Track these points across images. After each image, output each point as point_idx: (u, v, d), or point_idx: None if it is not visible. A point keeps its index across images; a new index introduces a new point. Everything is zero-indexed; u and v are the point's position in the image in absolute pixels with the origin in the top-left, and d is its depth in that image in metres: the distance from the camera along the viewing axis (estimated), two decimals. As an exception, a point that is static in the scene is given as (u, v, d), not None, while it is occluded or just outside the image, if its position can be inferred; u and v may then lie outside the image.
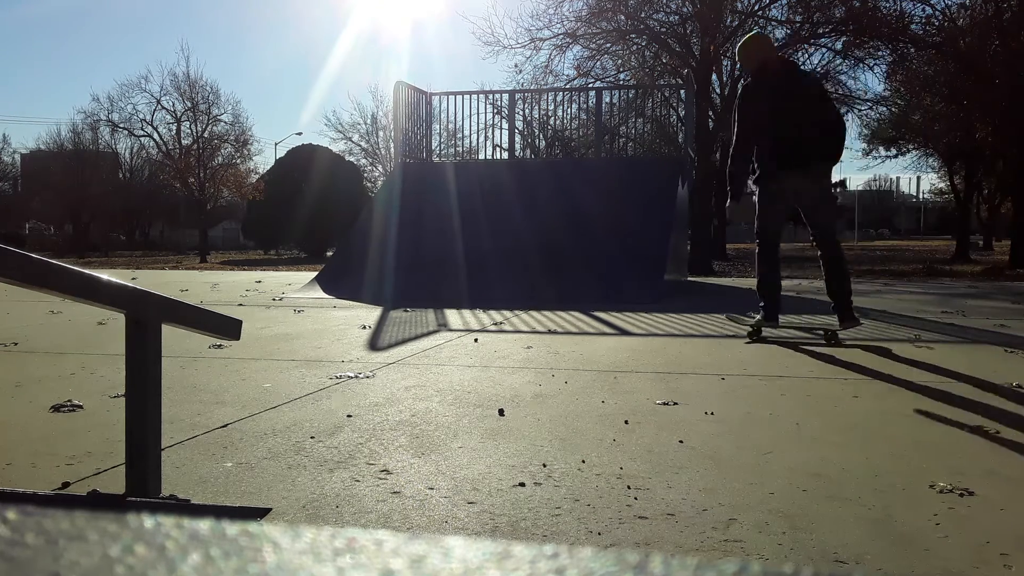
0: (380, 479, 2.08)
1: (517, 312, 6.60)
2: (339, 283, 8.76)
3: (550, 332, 5.46)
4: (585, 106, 13.61)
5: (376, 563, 0.29)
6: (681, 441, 2.46)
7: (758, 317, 4.92)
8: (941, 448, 2.42)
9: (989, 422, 2.70)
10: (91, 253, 34.02)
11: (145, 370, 1.65)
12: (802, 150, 4.60)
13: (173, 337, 1.95)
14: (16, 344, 4.66)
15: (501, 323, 5.98)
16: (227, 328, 2.06)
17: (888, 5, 17.56)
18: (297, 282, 10.43)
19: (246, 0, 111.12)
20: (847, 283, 4.68)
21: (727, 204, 4.95)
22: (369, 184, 36.62)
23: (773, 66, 4.82)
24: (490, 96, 12.50)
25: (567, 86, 17.00)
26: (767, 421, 2.76)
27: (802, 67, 5.18)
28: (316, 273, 10.24)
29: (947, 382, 3.50)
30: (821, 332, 4.84)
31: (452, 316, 6.39)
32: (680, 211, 9.78)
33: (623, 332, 5.45)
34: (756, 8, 18.99)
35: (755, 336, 4.88)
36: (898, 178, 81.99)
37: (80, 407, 2.92)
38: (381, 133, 38.31)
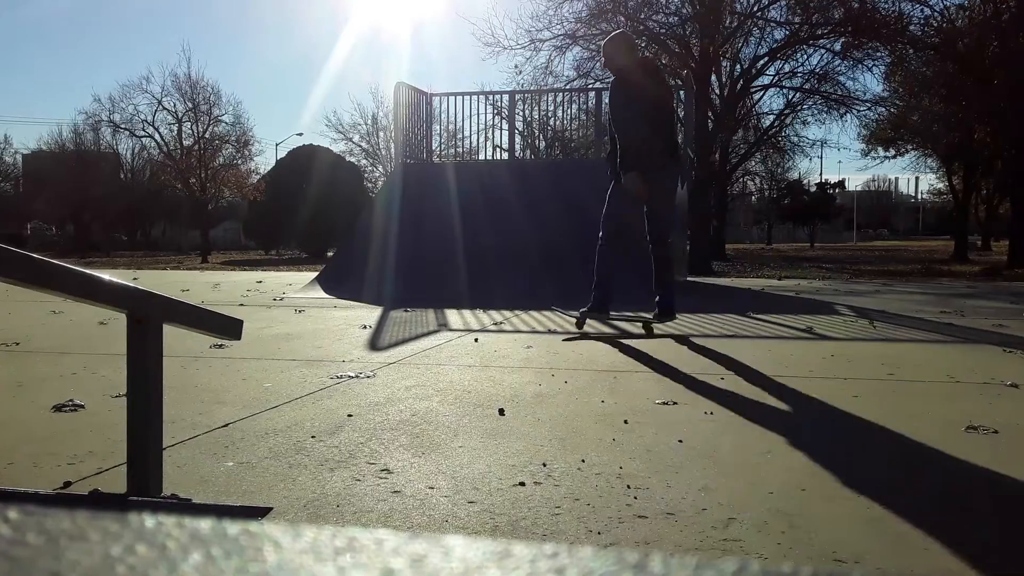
0: (381, 478, 2.08)
1: (517, 312, 6.60)
2: (340, 283, 8.76)
3: (550, 332, 5.46)
4: (585, 107, 13.59)
5: (377, 562, 0.29)
6: (680, 441, 2.47)
7: (585, 308, 5.23)
8: (940, 447, 2.43)
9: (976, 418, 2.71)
10: (92, 253, 34.02)
11: (146, 370, 1.65)
12: (651, 151, 4.83)
13: (174, 337, 1.96)
14: (18, 344, 4.67)
15: (501, 323, 5.98)
16: (228, 328, 2.06)
17: (887, 6, 17.58)
18: (298, 282, 10.43)
19: (247, 1, 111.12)
20: (670, 282, 5.09)
21: (625, 182, 5.06)
22: (369, 184, 36.62)
23: (635, 67, 5.02)
24: (490, 97, 12.51)
25: (567, 87, 17.01)
26: (766, 420, 2.76)
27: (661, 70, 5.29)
28: (317, 273, 10.24)
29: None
30: (640, 323, 5.26)
31: (452, 316, 6.39)
32: (679, 211, 9.76)
33: (622, 332, 5.45)
34: (755, 9, 18.99)
35: (581, 327, 5.19)
36: (897, 179, 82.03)
37: (82, 407, 2.93)
38: (381, 134, 38.33)
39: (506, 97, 12.14)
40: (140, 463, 1.66)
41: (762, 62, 20.75)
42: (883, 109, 22.51)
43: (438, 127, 14.03)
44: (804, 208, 46.43)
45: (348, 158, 36.56)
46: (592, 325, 5.45)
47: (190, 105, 31.99)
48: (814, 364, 4.01)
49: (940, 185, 39.90)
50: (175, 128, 32.76)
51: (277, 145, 51.18)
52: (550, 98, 14.95)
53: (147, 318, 1.63)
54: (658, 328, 5.15)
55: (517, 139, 12.92)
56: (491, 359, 4.15)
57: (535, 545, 0.30)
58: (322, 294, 8.45)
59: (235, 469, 2.17)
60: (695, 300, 7.99)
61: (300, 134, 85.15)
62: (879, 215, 74.81)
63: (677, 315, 5.20)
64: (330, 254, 21.57)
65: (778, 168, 39.60)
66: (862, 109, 21.95)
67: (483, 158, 12.57)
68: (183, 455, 2.29)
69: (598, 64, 18.98)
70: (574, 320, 5.33)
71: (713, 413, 2.85)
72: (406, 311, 6.77)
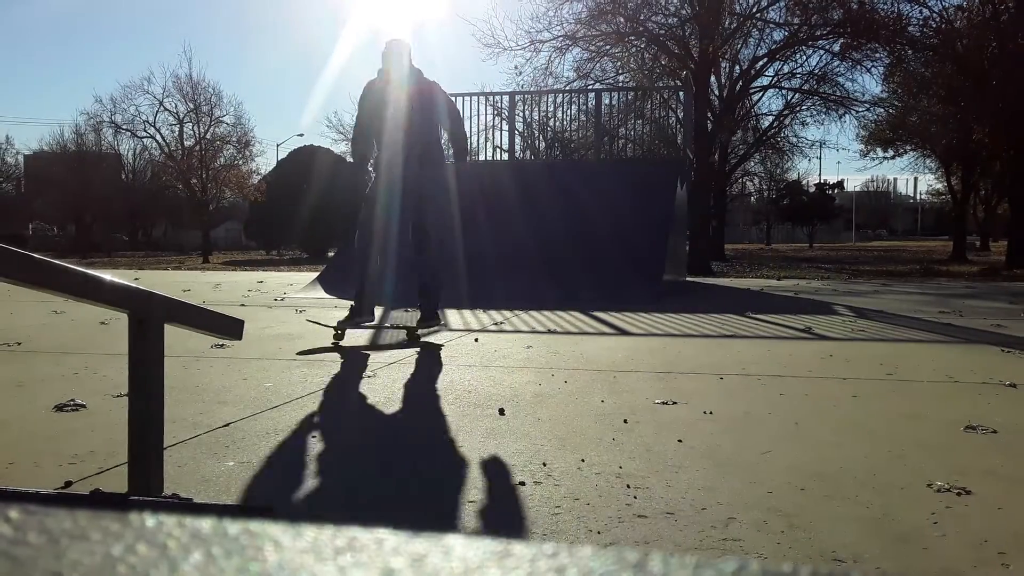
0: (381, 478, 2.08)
1: (517, 312, 6.59)
2: (340, 283, 8.75)
3: (550, 332, 5.46)
4: (585, 108, 13.59)
5: (377, 561, 0.29)
6: (680, 440, 2.47)
7: (343, 317, 4.87)
8: (940, 447, 2.43)
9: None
10: (94, 254, 33.98)
11: (147, 369, 1.65)
12: (402, 153, 4.77)
13: (175, 337, 1.96)
14: (19, 344, 4.67)
15: (501, 323, 5.98)
16: (229, 328, 2.06)
17: (885, 7, 17.59)
18: (299, 282, 10.43)
19: (248, 2, 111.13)
20: (436, 288, 4.92)
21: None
22: (370, 185, 36.54)
23: (392, 71, 4.88)
24: (490, 98, 12.50)
25: (567, 88, 17.00)
26: (766, 420, 2.76)
27: (428, 80, 5.06)
28: (317, 273, 10.23)
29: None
30: (404, 329, 5.01)
31: (452, 316, 6.38)
32: (679, 212, 9.79)
33: (622, 332, 5.46)
34: (754, 10, 19.01)
35: (339, 336, 4.71)
36: (895, 179, 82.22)
37: (83, 406, 2.93)
38: (382, 134, 38.23)
39: (506, 98, 12.13)
40: (141, 463, 1.66)
41: (761, 63, 20.78)
42: (882, 110, 22.56)
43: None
44: (803, 208, 46.46)
45: (349, 159, 36.55)
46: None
47: (191, 106, 31.93)
48: (813, 364, 4.01)
49: (939, 186, 39.92)
50: (176, 129, 32.69)
51: (278, 146, 51.39)
52: (550, 99, 14.94)
53: (148, 318, 1.64)
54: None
55: (517, 140, 12.90)
56: (491, 359, 4.15)
57: (535, 545, 0.30)
58: (323, 294, 8.45)
59: (236, 469, 2.17)
60: (695, 300, 8.00)
61: (301, 135, 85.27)
62: (878, 215, 74.85)
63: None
64: (331, 254, 21.57)
65: (777, 169, 39.65)
66: (861, 110, 21.99)
67: (483, 159, 12.55)
68: (184, 455, 2.29)
69: (597, 66, 19.02)
70: (333, 331, 4.78)
71: (712, 413, 2.85)
72: (406, 311, 6.77)
